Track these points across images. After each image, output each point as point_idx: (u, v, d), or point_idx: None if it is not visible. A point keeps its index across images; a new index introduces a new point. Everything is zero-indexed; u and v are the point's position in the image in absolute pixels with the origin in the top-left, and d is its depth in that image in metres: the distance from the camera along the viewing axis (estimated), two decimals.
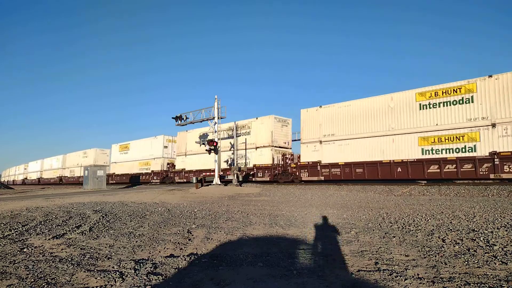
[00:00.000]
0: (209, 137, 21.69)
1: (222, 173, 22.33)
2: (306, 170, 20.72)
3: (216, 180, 20.45)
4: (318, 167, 20.08)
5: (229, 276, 3.45)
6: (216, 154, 20.59)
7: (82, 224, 6.91)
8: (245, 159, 24.69)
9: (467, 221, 6.52)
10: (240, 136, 25.14)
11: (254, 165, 23.71)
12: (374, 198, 12.13)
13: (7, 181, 74.06)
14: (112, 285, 3.23)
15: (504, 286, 2.94)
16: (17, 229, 6.43)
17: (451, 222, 6.47)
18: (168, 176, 31.69)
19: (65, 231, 6.11)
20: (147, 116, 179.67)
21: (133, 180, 34.50)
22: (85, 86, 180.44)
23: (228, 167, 24.50)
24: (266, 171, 23.03)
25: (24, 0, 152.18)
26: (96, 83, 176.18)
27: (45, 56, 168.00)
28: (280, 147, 23.69)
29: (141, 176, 34.21)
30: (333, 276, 3.38)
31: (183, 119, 22.88)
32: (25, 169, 66.39)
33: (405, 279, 3.21)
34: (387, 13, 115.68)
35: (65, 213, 8.82)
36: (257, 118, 24.39)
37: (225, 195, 15.41)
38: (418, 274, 3.36)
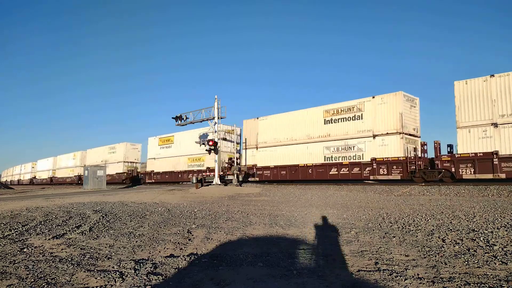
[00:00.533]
0: (209, 137, 21.69)
1: (222, 173, 22.29)
2: (469, 165, 14.98)
3: (216, 180, 20.45)
4: (495, 160, 14.25)
5: (229, 276, 3.45)
6: (216, 154, 20.59)
7: (82, 224, 6.91)
8: (245, 158, 24.64)
9: (467, 221, 6.52)
10: (343, 121, 19.96)
11: (373, 159, 18.05)
12: (374, 198, 12.13)
13: (11, 181, 70.11)
14: (112, 285, 3.23)
15: (504, 286, 2.94)
16: (17, 229, 6.42)
17: (451, 222, 6.47)
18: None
19: (65, 231, 6.11)
20: (147, 116, 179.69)
21: (178, 179, 30.79)
22: (84, 86, 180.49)
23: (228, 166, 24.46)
24: (394, 167, 17.39)
25: (24, 0, 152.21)
26: (96, 83, 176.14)
27: (45, 56, 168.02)
28: (409, 134, 18.12)
29: (191, 174, 28.79)
30: (333, 276, 3.38)
31: (183, 119, 22.90)
32: (33, 167, 61.10)
33: (405, 279, 3.21)
34: (387, 13, 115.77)
35: (65, 213, 8.82)
36: (373, 97, 18.70)
37: (225, 195, 15.41)
38: (418, 274, 3.36)
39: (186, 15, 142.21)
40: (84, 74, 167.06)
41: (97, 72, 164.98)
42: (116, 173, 37.35)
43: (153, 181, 33.38)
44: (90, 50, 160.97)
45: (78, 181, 42.95)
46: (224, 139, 25.96)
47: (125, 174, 36.53)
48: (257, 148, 23.84)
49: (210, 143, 19.94)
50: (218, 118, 20.98)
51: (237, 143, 26.01)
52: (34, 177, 58.99)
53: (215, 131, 21.12)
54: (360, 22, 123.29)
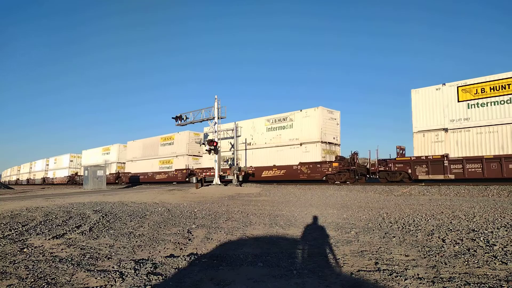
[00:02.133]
0: (209, 137, 21.66)
1: (222, 173, 22.26)
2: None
3: (216, 180, 20.43)
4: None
5: (229, 276, 3.45)
6: (216, 154, 20.56)
7: (82, 224, 6.91)
8: (245, 159, 24.60)
9: (467, 221, 6.52)
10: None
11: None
12: (374, 198, 12.12)
13: (28, 179, 55.35)
14: (112, 285, 3.23)
15: (504, 286, 2.94)
16: (17, 229, 6.42)
17: (451, 222, 6.47)
18: None
19: (65, 231, 6.11)
20: (147, 116, 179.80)
21: None
22: (84, 85, 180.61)
23: (229, 167, 24.39)
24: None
25: (24, 0, 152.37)
26: (96, 82, 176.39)
27: (45, 56, 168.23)
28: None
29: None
30: (333, 276, 3.38)
31: (183, 119, 22.89)
32: (72, 161, 45.96)
33: (405, 279, 3.21)
34: (387, 13, 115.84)
35: (65, 213, 8.82)
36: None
37: (225, 195, 15.40)
38: (418, 274, 3.36)
39: (186, 15, 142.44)
40: (84, 74, 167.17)
41: (97, 72, 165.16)
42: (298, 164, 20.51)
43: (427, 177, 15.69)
44: (90, 50, 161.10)
45: (186, 179, 26.63)
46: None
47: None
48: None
49: (211, 143, 19.91)
50: (218, 118, 20.96)
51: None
52: (76, 174, 43.29)
53: (215, 131, 21.11)
54: (360, 22, 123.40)
